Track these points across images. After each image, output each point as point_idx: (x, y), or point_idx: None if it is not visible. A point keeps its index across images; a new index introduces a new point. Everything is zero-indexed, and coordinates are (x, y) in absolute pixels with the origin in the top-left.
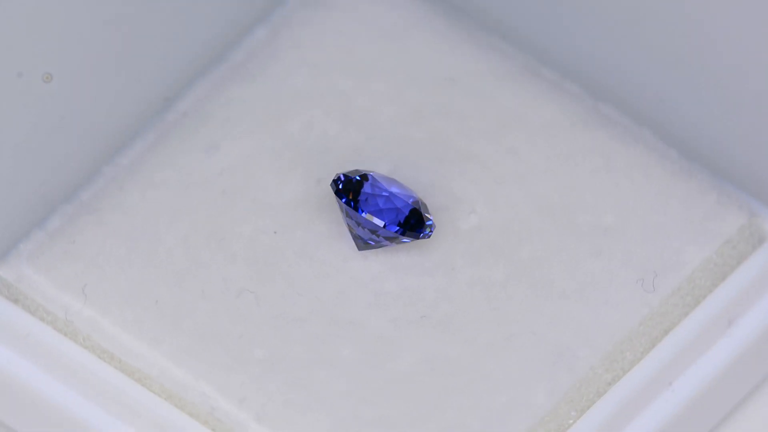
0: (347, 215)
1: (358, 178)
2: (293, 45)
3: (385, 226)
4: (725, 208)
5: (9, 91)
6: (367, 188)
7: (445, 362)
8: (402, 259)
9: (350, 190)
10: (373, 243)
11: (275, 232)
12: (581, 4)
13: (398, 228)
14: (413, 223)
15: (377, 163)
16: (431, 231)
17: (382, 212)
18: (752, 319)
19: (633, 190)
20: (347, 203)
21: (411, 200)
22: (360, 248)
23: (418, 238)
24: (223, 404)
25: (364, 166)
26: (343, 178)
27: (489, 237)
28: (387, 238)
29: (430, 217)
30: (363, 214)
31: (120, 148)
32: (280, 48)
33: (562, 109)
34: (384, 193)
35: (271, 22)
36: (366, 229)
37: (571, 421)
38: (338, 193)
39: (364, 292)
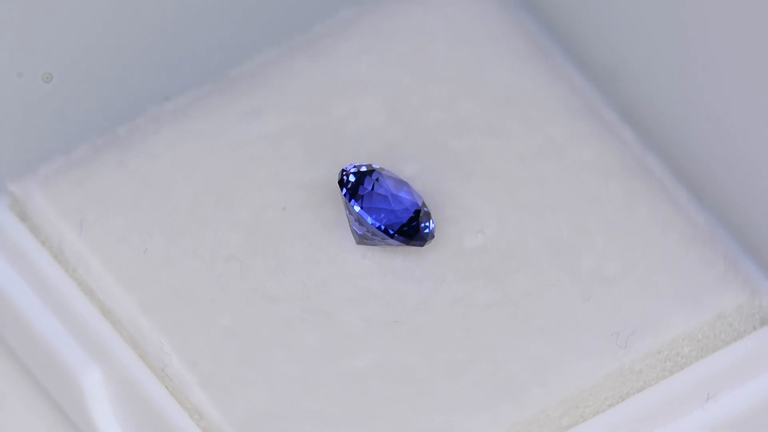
0: (346, 207)
1: (364, 168)
2: (370, 31)
3: (380, 228)
4: (728, 283)
5: None
6: (367, 184)
7: (400, 370)
8: (396, 261)
9: (354, 182)
10: (368, 240)
11: (284, 209)
12: (667, 57)
13: (392, 232)
14: (406, 230)
15: (404, 164)
16: (424, 242)
17: (378, 212)
18: (734, 399)
19: (644, 245)
20: (346, 195)
21: (413, 207)
22: (357, 242)
23: (408, 244)
24: (175, 363)
25: (391, 164)
26: (351, 170)
27: (488, 259)
28: (382, 238)
29: (430, 227)
30: (355, 207)
31: (171, 92)
32: (356, 31)
33: (606, 152)
34: (386, 194)
35: (360, 4)
36: (362, 225)
37: None
38: (341, 183)
39: (348, 285)
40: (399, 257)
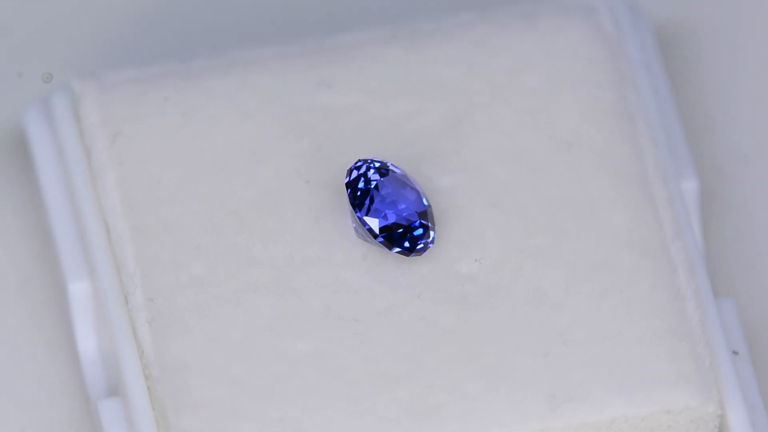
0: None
1: (375, 164)
2: (481, 37)
3: (365, 228)
4: (688, 384)
5: None
6: (372, 175)
7: (334, 365)
8: (387, 264)
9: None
10: (362, 237)
11: (307, 182)
12: None
13: (377, 234)
14: (386, 236)
15: (440, 176)
16: (409, 254)
17: (375, 211)
18: None
19: (625, 323)
20: (349, 190)
21: (406, 214)
22: (357, 235)
23: (389, 249)
24: (137, 295)
25: (427, 171)
26: (360, 164)
27: (472, 290)
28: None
29: (420, 244)
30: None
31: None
32: (470, 34)
33: (638, 227)
34: (387, 198)
35: (478, 11)
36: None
37: None
38: (350, 171)
39: (329, 272)
40: (392, 261)
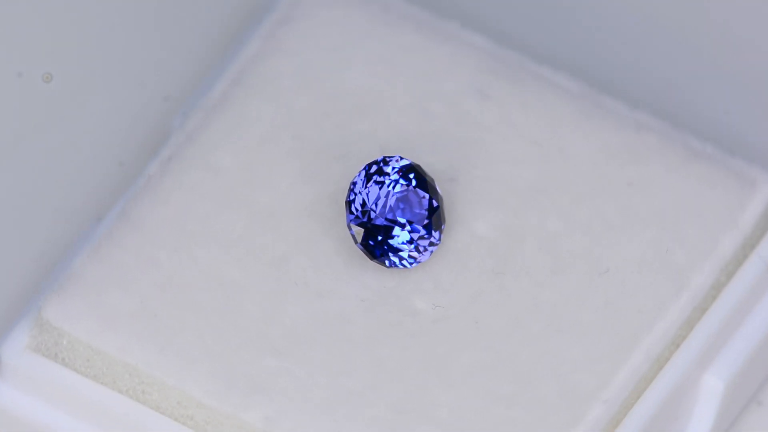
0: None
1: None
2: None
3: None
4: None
5: None
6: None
7: (257, 341)
8: (374, 270)
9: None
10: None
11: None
12: None
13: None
14: (368, 241)
15: (465, 220)
16: (382, 262)
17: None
18: None
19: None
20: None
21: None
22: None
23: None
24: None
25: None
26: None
27: (421, 326)
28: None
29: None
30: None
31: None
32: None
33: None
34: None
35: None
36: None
37: None
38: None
39: (305, 270)
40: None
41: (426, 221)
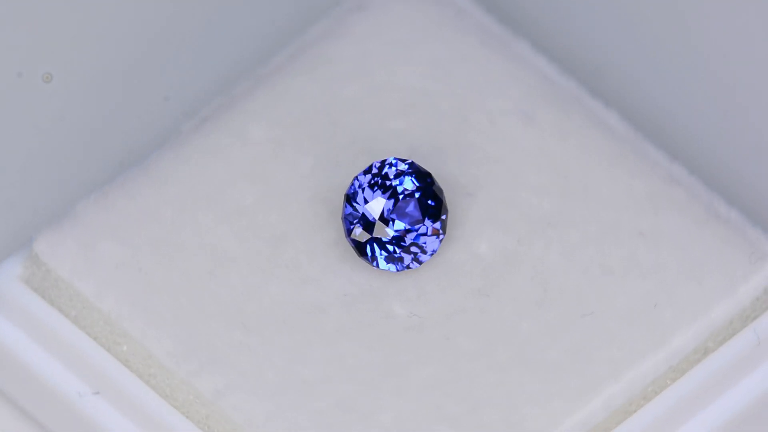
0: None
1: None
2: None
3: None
4: None
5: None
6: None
7: (232, 331)
8: (365, 269)
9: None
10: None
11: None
12: None
13: (350, 227)
14: (357, 239)
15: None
16: (369, 262)
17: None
18: None
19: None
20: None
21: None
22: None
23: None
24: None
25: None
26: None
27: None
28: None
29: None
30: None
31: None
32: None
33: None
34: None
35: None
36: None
37: None
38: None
39: (299, 255)
40: (369, 268)
41: (421, 227)
